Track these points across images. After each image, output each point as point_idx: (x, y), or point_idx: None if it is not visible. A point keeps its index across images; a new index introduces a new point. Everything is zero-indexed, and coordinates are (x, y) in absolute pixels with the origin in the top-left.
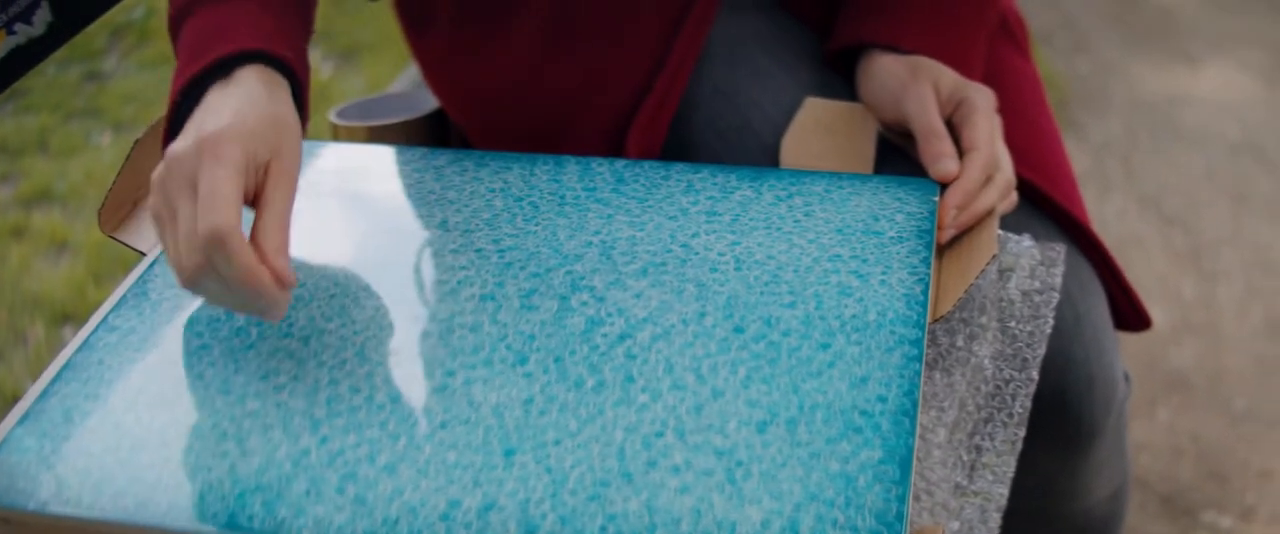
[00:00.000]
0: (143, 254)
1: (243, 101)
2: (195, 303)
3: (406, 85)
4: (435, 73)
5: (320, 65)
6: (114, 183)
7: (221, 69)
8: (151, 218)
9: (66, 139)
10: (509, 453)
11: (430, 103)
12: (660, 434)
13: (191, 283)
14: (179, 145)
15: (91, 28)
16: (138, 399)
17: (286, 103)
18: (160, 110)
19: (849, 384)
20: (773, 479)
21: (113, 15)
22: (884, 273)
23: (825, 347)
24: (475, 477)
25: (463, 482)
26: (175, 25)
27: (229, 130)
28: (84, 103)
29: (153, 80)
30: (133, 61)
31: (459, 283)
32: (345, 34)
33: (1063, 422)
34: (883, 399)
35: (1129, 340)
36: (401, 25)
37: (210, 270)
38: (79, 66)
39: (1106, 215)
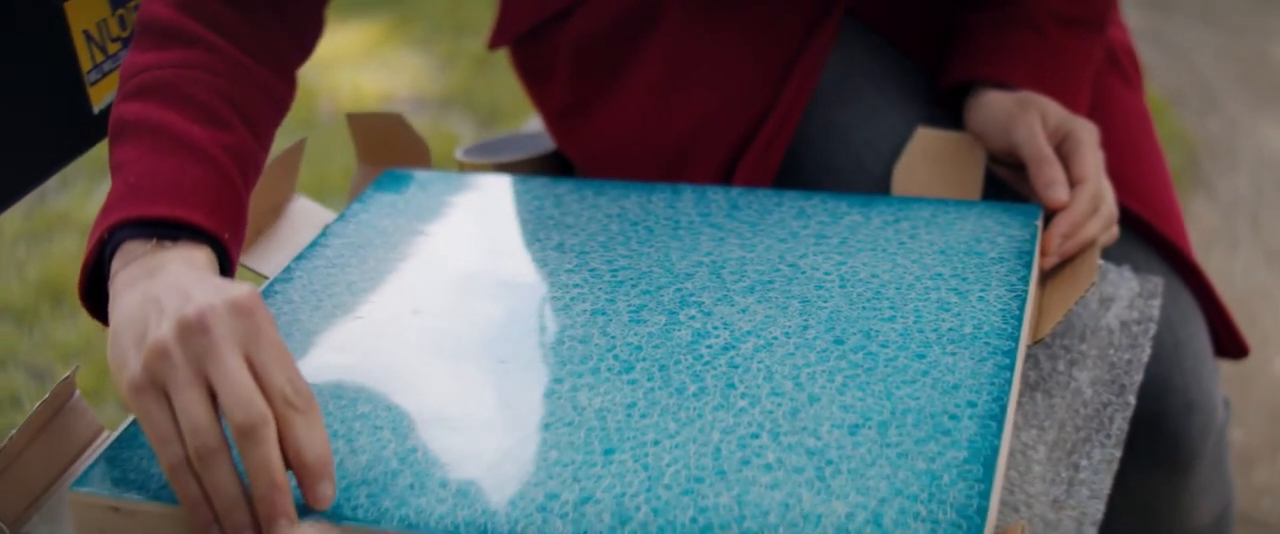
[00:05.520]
0: (265, 277)
1: (211, 280)
2: (312, 317)
3: (532, 127)
4: (555, 121)
5: (459, 127)
6: None
7: (168, 228)
8: (147, 379)
9: None
10: (608, 452)
11: (551, 143)
12: (756, 435)
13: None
14: (165, 328)
15: None
16: None
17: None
18: (303, 172)
19: (941, 391)
20: (861, 476)
21: None
22: (983, 290)
23: (921, 356)
24: (574, 473)
25: (562, 477)
26: (120, 132)
27: (220, 304)
28: None
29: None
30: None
31: (572, 299)
32: (485, 97)
33: (1162, 446)
34: (972, 404)
35: (1255, 388)
36: (520, 77)
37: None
38: None
39: (1235, 270)
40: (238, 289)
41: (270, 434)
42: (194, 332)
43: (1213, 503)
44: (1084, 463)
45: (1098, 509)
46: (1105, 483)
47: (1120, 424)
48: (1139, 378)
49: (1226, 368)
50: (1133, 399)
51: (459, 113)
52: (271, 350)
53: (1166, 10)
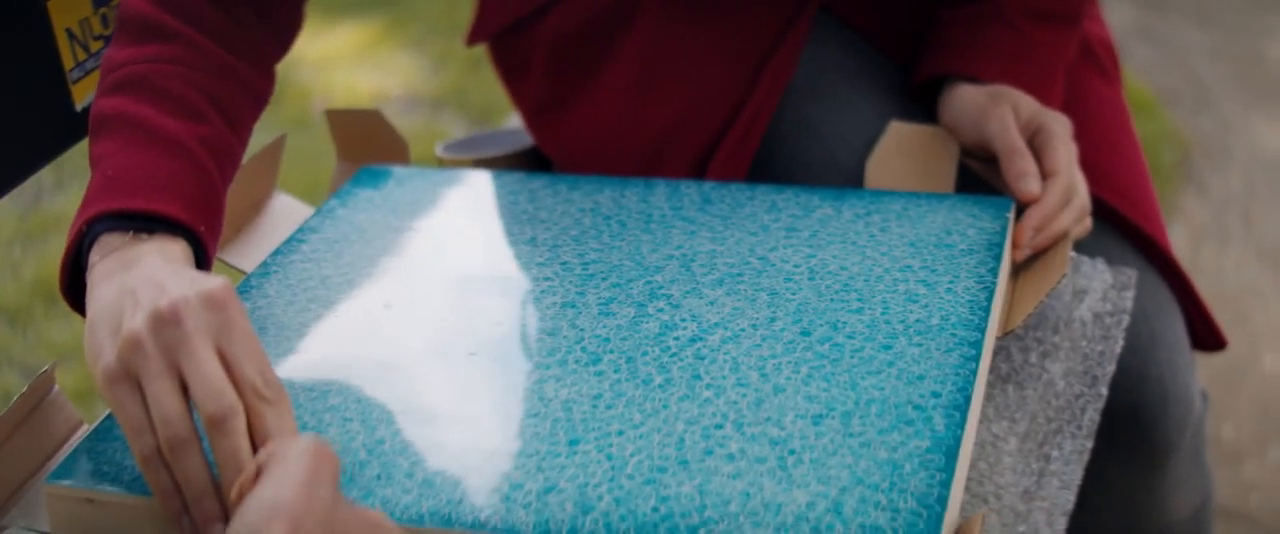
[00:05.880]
0: (244, 273)
1: (187, 272)
2: (286, 311)
3: (514, 123)
4: (533, 117)
5: (452, 126)
6: None
7: (144, 221)
8: (121, 369)
9: None
10: (573, 442)
11: (531, 139)
12: (720, 426)
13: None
14: (139, 319)
15: None
16: None
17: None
18: (290, 170)
19: (906, 381)
20: (823, 466)
21: None
22: (951, 281)
23: (887, 348)
24: (538, 463)
25: (526, 467)
26: (99, 127)
27: (193, 296)
28: None
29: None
30: (265, 124)
31: (542, 292)
32: (478, 97)
33: (1138, 439)
34: (937, 394)
35: (1244, 384)
36: (498, 73)
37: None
38: None
39: (1226, 267)
40: (211, 282)
41: (239, 425)
42: (166, 323)
43: (1191, 496)
44: (1055, 454)
45: (1068, 500)
46: (1076, 474)
47: (1092, 415)
48: (1111, 369)
49: (1218, 365)
50: (1104, 390)
51: (452, 113)
52: (243, 342)
53: (1161, 9)
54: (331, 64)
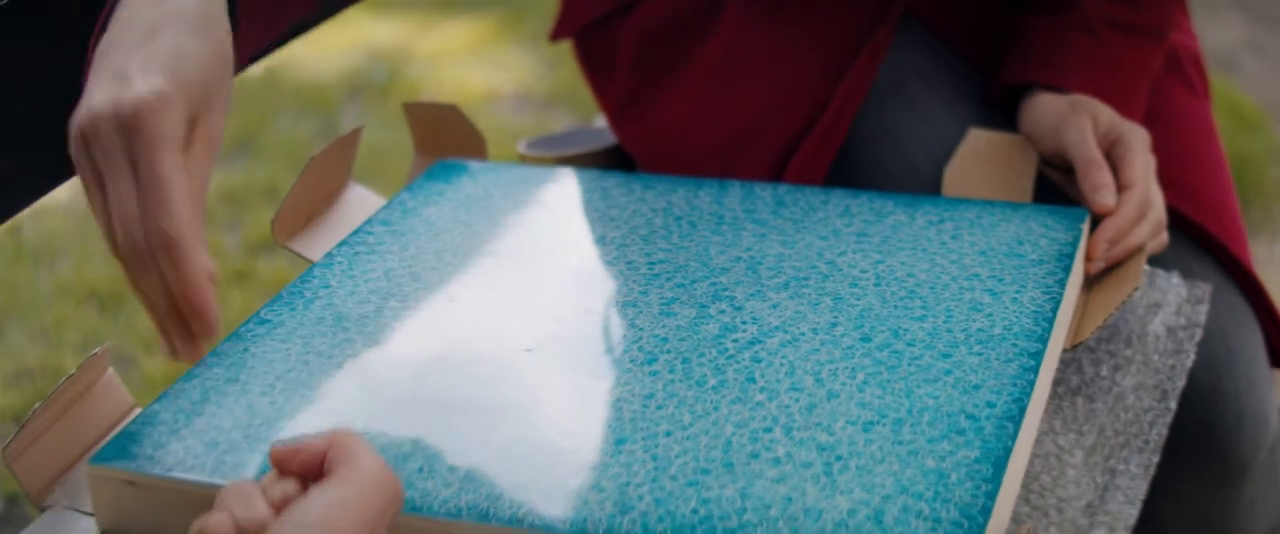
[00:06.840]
0: (311, 262)
1: (181, 33)
2: (346, 301)
3: (602, 122)
4: (615, 113)
5: (561, 125)
6: (289, 195)
7: None
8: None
9: None
10: (620, 441)
11: (614, 137)
12: (768, 430)
13: (129, 261)
14: (102, 97)
15: (330, 83)
16: (275, 384)
17: (223, 24)
18: (392, 164)
19: (962, 390)
20: (868, 473)
21: (354, 76)
22: (1018, 291)
23: (946, 355)
24: (582, 461)
25: (569, 465)
26: None
27: (166, 92)
28: None
29: (389, 139)
30: (370, 119)
31: (605, 291)
32: (589, 96)
33: (1212, 456)
34: (991, 405)
35: None
36: (583, 70)
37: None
38: (314, 120)
39: None
40: (139, 87)
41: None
42: (88, 139)
43: (1267, 515)
44: (1121, 469)
45: (1131, 516)
46: (1141, 490)
47: (1160, 431)
48: (1182, 384)
49: None
50: (1174, 405)
51: (563, 111)
52: (146, 183)
53: (1275, 23)
54: (444, 59)
